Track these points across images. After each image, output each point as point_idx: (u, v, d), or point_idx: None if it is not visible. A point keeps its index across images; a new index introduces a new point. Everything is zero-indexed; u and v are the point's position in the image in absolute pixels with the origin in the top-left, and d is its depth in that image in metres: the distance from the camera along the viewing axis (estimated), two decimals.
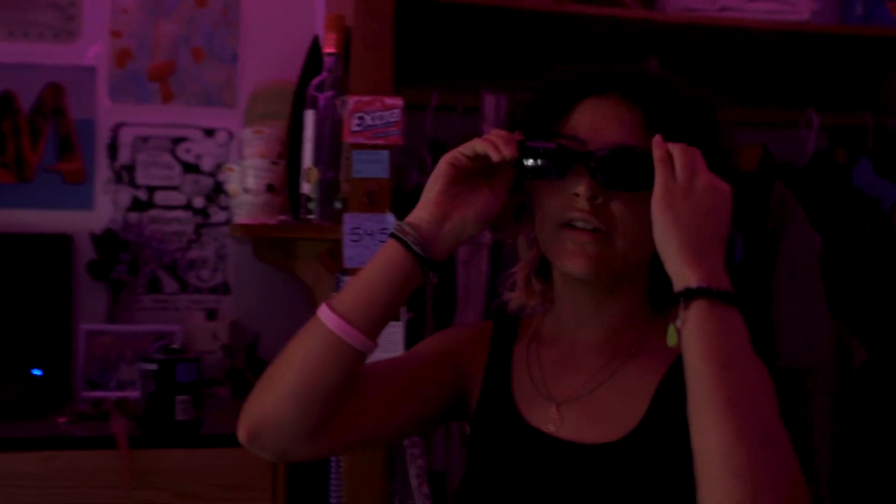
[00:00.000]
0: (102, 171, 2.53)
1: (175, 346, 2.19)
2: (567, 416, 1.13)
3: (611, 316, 1.16)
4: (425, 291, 2.05)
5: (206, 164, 2.58)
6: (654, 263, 1.13)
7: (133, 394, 2.24)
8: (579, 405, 1.13)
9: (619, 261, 1.09)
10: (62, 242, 2.45)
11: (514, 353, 1.23)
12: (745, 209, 2.23)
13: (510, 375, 1.20)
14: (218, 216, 2.58)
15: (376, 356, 1.12)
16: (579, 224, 1.08)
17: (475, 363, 1.23)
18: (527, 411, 1.16)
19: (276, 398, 1.09)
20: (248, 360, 2.43)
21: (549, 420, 1.14)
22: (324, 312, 1.08)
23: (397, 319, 1.79)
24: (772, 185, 2.24)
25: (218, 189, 2.57)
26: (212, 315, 2.55)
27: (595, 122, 1.10)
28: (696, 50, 2.27)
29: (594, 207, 1.07)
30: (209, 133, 2.58)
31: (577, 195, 1.07)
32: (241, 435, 1.11)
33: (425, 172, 2.13)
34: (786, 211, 2.24)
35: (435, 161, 2.14)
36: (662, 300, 1.16)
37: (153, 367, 2.02)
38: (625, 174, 1.07)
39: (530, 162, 1.10)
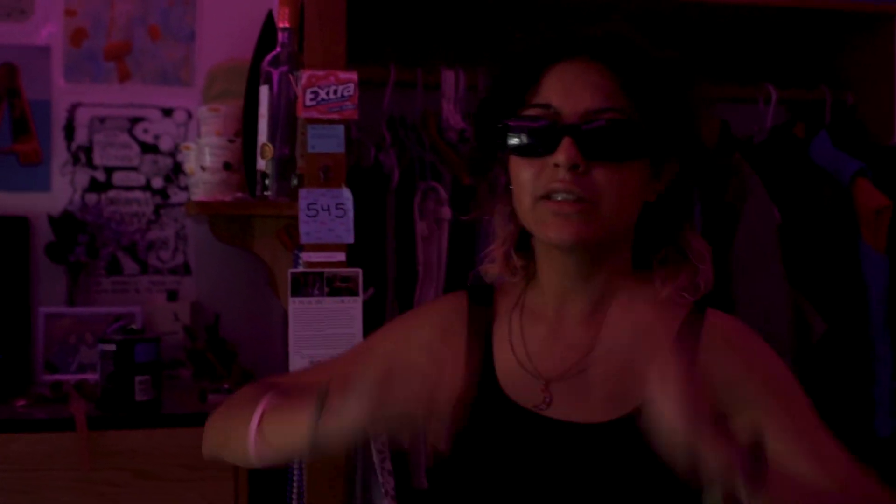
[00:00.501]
0: (59, 152, 2.50)
1: (134, 326, 2.18)
2: (557, 394, 1.11)
3: (597, 285, 1.13)
4: (386, 269, 2.04)
5: (165, 144, 2.55)
6: (638, 225, 1.13)
7: (93, 376, 2.22)
8: (569, 383, 1.11)
9: (605, 228, 1.07)
10: (19, 225, 2.41)
11: (493, 329, 1.19)
12: (704, 183, 2.23)
13: (492, 354, 1.17)
14: (177, 196, 2.55)
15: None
16: (561, 196, 1.05)
17: (451, 344, 1.18)
18: (512, 390, 1.13)
19: (229, 447, 1.12)
20: (209, 341, 2.42)
21: (538, 398, 1.11)
22: (253, 433, 1.05)
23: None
24: (730, 159, 2.25)
25: (177, 169, 2.55)
26: (172, 296, 2.53)
27: (567, 87, 1.08)
28: (653, 25, 2.26)
29: (575, 177, 1.04)
30: (167, 113, 2.55)
31: (556, 166, 1.05)
32: (204, 453, 1.17)
33: (384, 149, 2.13)
34: (744, 184, 2.25)
35: (394, 138, 2.16)
36: (648, 259, 1.15)
37: (111, 347, 2.01)
38: (613, 145, 1.06)
39: (516, 140, 1.08)
